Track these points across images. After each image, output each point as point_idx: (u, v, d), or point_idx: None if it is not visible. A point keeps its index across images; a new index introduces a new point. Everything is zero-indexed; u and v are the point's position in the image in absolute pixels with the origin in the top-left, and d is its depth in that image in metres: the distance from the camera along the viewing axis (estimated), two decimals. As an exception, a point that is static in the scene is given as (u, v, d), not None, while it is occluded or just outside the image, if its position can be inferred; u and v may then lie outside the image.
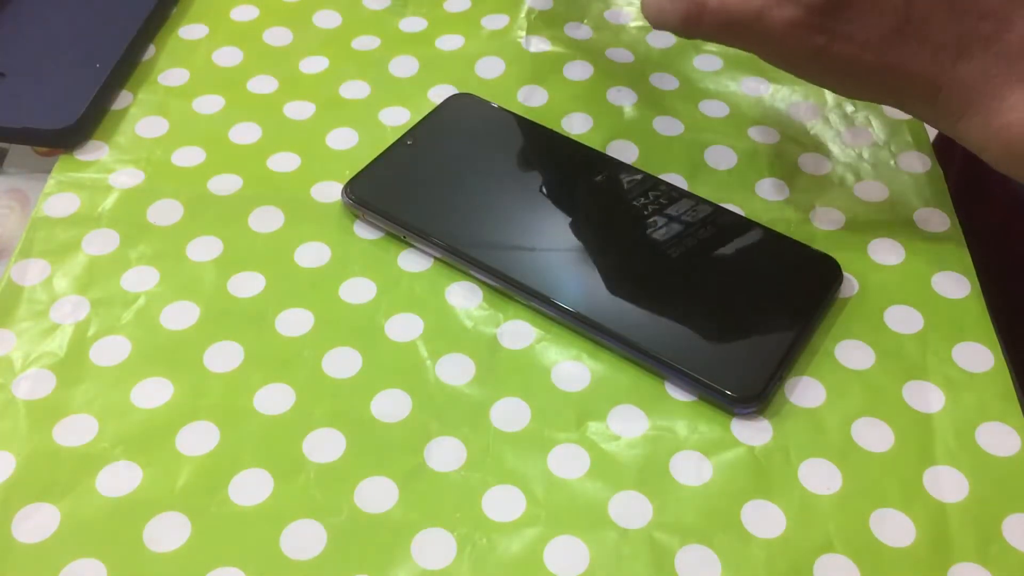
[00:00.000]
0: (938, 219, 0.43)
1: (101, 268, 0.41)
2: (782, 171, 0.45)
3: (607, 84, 0.49)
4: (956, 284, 0.41)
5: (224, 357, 0.38)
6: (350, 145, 0.46)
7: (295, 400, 0.37)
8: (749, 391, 0.36)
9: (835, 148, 0.46)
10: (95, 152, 0.45)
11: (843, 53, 0.36)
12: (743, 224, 0.42)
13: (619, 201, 0.43)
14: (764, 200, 0.44)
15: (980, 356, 0.38)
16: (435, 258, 0.41)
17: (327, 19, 0.52)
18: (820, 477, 0.35)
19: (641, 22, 0.53)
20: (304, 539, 0.33)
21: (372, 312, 0.39)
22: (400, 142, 0.45)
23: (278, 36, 0.51)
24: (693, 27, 0.38)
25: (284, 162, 0.45)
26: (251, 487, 0.34)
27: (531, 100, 0.48)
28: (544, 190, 0.43)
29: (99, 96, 0.46)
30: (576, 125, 0.47)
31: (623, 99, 0.48)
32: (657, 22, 0.39)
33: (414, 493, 0.34)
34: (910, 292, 0.40)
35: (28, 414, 0.36)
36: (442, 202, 0.42)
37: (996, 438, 0.36)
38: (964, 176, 0.56)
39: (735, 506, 0.34)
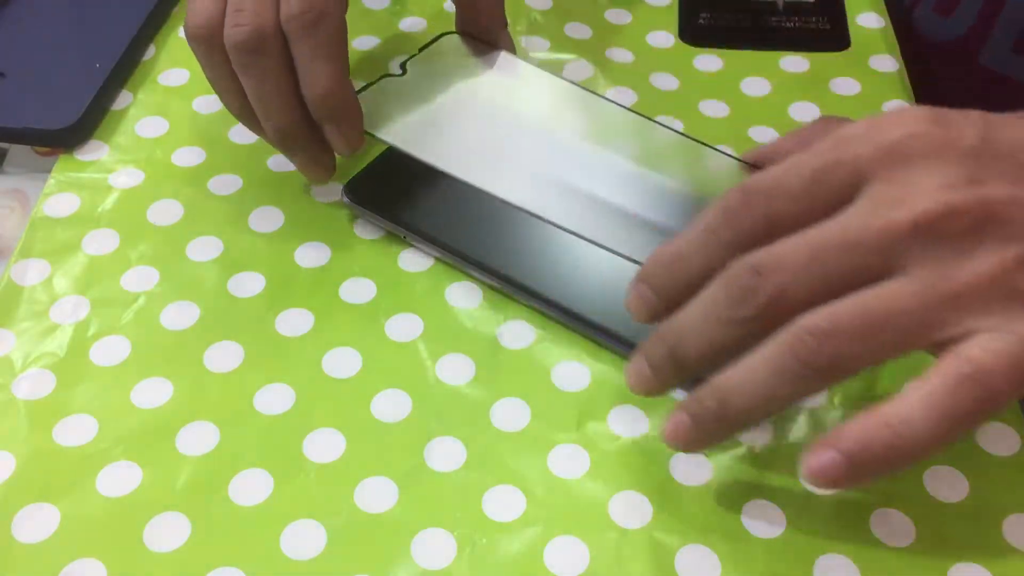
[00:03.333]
0: (938, 219, 0.43)
1: (101, 268, 0.41)
2: (782, 171, 0.45)
3: (607, 84, 0.49)
4: (956, 284, 0.41)
5: (224, 357, 0.38)
6: (350, 145, 0.46)
7: (295, 400, 0.37)
8: (749, 391, 0.36)
9: (835, 148, 0.46)
10: (95, 152, 0.45)
11: None
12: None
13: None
14: (764, 200, 0.44)
15: (980, 356, 0.38)
16: (435, 258, 0.41)
17: (327, 19, 0.52)
18: (820, 477, 0.35)
19: (641, 21, 0.53)
20: (304, 539, 0.33)
21: (372, 312, 0.39)
22: (400, 142, 0.45)
23: (278, 36, 0.51)
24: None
25: (284, 162, 0.45)
26: (251, 487, 0.34)
27: (531, 100, 0.48)
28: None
29: (99, 96, 0.46)
30: (576, 125, 0.47)
31: (623, 99, 0.48)
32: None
33: (414, 493, 0.34)
34: (910, 292, 0.40)
35: (28, 414, 0.36)
36: (442, 202, 0.42)
37: (996, 438, 0.36)
38: None
39: (735, 506, 0.34)
